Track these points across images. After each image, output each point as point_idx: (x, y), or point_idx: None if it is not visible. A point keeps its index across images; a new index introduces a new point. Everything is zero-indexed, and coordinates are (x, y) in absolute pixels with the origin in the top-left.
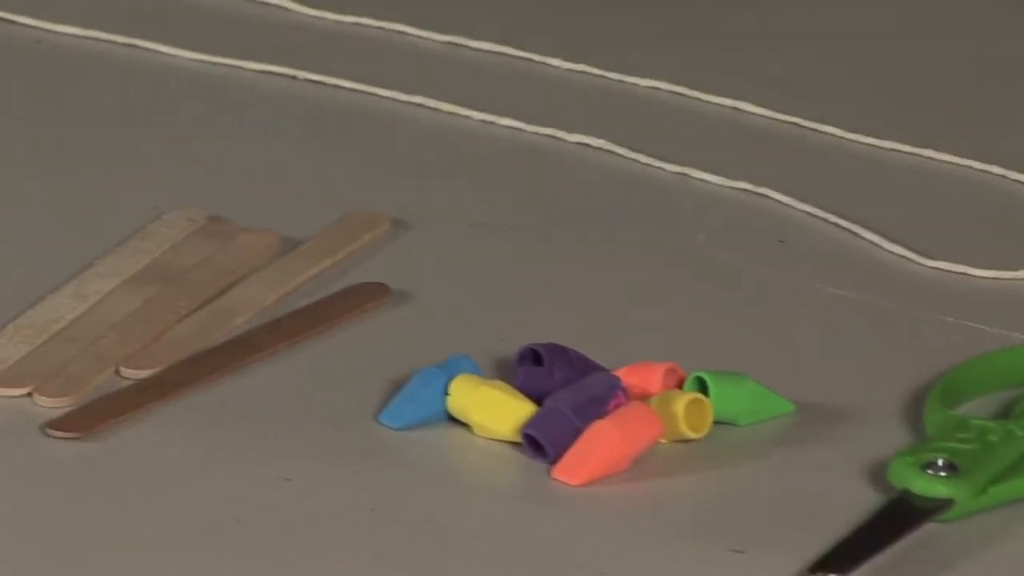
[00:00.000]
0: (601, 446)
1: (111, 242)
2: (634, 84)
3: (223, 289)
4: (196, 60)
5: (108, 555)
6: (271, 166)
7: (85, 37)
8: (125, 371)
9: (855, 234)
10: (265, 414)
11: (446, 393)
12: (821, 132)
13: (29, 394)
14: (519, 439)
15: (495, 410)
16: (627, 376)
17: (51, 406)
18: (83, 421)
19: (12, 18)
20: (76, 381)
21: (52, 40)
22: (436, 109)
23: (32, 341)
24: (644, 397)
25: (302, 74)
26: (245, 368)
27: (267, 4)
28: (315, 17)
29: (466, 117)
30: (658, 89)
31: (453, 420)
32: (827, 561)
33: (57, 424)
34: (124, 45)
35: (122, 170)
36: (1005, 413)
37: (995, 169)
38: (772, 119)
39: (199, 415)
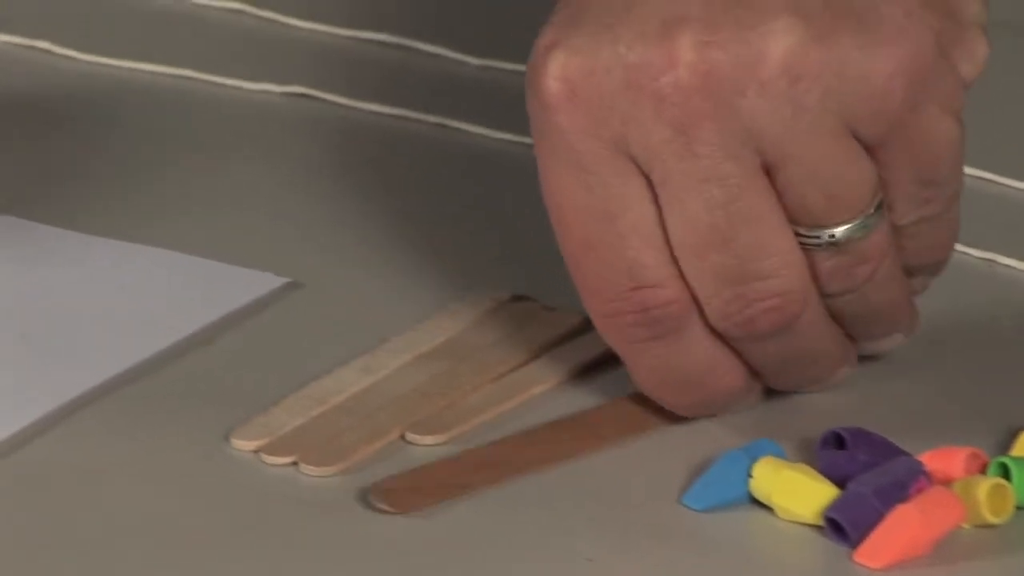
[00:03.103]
0: (903, 530)
1: (413, 319)
2: None
3: (515, 367)
4: (505, 140)
5: None
6: None
7: (392, 115)
8: (412, 436)
9: None
10: (570, 494)
11: (749, 476)
12: None
13: (294, 463)
14: (821, 522)
15: (798, 493)
16: (930, 461)
17: (316, 474)
18: (409, 498)
19: (323, 96)
20: (343, 450)
21: (359, 118)
22: None
23: (308, 412)
24: (946, 482)
25: None
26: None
27: None
28: None
29: None
30: None
31: (756, 503)
32: None
33: (382, 496)
34: (434, 124)
35: (430, 248)
36: None
37: None
38: None
39: (507, 493)
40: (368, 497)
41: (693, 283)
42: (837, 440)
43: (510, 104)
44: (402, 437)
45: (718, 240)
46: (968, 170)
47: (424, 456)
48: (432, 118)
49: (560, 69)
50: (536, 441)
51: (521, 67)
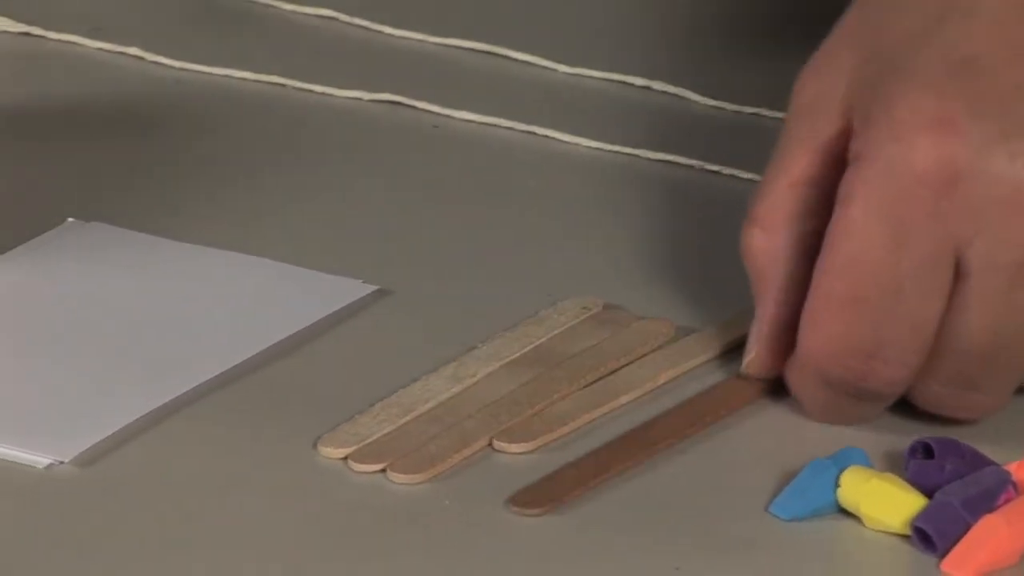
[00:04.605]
0: (990, 540)
1: (502, 327)
2: None
3: (604, 375)
4: (594, 148)
5: None
6: (672, 255)
7: (482, 123)
8: (500, 444)
9: None
10: (662, 504)
11: (837, 485)
12: None
13: (383, 470)
14: (909, 532)
15: (885, 502)
16: (1017, 471)
17: (404, 482)
18: (545, 496)
19: (413, 103)
20: (431, 458)
21: (449, 125)
22: None
23: (396, 420)
24: None
25: (699, 164)
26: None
27: (668, 94)
28: (716, 107)
29: None
30: None
31: (843, 512)
32: None
33: (520, 501)
34: (523, 132)
35: (519, 256)
36: None
37: None
38: None
39: (594, 503)
40: (509, 507)
41: (934, 374)
42: (925, 450)
43: (597, 112)
44: (490, 445)
45: (989, 357)
46: None
47: (513, 463)
48: (522, 125)
49: (950, 154)
50: (652, 429)
51: (606, 74)
